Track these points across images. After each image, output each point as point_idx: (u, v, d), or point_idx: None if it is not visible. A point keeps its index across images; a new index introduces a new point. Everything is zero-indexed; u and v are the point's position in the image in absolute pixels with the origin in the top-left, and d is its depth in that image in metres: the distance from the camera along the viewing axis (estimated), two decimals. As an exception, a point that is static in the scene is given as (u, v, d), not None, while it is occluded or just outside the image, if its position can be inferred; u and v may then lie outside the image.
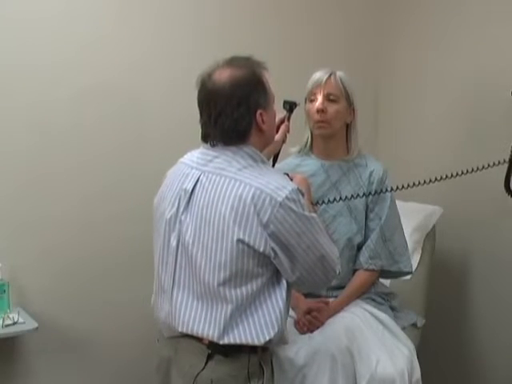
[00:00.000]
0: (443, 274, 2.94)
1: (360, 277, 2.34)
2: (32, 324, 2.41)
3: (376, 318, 2.27)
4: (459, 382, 2.96)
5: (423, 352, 2.43)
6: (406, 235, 2.43)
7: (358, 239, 2.35)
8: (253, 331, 1.74)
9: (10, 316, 2.39)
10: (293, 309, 2.28)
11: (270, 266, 1.74)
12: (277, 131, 2.01)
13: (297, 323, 2.24)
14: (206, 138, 1.81)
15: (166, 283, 1.81)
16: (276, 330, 1.75)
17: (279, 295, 1.77)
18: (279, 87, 2.90)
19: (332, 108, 2.30)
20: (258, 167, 1.76)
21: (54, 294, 2.63)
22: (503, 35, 2.69)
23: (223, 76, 1.74)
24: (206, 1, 2.87)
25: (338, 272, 1.84)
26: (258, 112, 1.76)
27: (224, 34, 2.87)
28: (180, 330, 1.77)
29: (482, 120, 2.80)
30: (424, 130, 3.08)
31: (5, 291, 2.45)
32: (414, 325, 2.46)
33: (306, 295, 2.30)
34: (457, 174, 2.28)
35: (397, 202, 2.45)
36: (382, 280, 2.48)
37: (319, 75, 2.32)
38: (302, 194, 1.76)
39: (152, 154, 2.76)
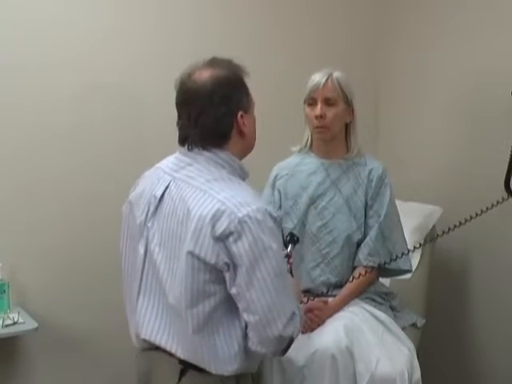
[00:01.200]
0: (443, 274, 2.94)
1: (359, 275, 2.34)
2: (32, 324, 2.41)
3: (376, 318, 2.27)
4: (459, 382, 2.96)
5: (423, 352, 2.43)
6: (406, 235, 2.44)
7: (357, 236, 2.36)
8: (210, 358, 1.65)
9: (10, 316, 2.39)
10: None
11: (225, 284, 1.63)
12: None
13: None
14: (183, 140, 1.74)
15: (133, 291, 1.75)
16: (234, 367, 1.65)
17: (238, 327, 1.65)
18: (280, 87, 2.90)
19: (331, 112, 2.30)
20: (229, 181, 1.67)
21: (54, 293, 2.63)
22: (503, 35, 2.68)
23: (204, 75, 1.68)
24: (206, 1, 2.87)
25: (278, 338, 1.63)
26: (240, 113, 1.70)
27: (224, 34, 2.87)
28: (143, 337, 1.72)
29: (481, 120, 2.80)
30: (424, 130, 3.08)
31: (5, 291, 2.46)
32: (414, 325, 2.46)
33: (307, 294, 2.31)
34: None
35: (397, 201, 2.45)
36: (381, 280, 2.49)
37: (317, 79, 2.31)
38: (275, 220, 1.63)
39: (152, 154, 2.73)
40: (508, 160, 2.51)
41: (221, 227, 1.57)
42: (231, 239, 1.57)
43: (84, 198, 2.67)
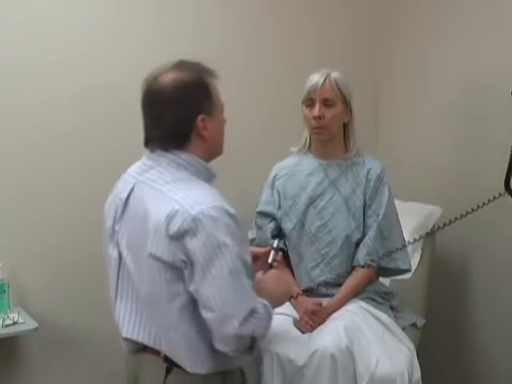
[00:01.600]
0: (443, 273, 2.94)
1: (358, 274, 2.34)
2: (32, 324, 2.41)
3: (376, 317, 2.27)
4: (459, 382, 2.96)
5: (423, 352, 2.43)
6: (405, 235, 2.44)
7: (356, 236, 2.36)
8: (185, 357, 1.67)
9: (10, 316, 2.39)
10: (294, 308, 2.29)
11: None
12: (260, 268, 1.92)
13: (298, 322, 2.24)
14: (147, 142, 1.78)
15: (111, 296, 1.80)
16: (206, 365, 1.68)
17: (206, 329, 1.65)
18: (279, 87, 2.90)
19: (329, 113, 2.31)
20: (188, 181, 1.69)
21: (53, 294, 2.63)
22: (503, 35, 2.68)
23: (168, 78, 1.71)
24: (205, 1, 2.87)
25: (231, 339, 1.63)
26: (200, 117, 1.71)
27: (224, 35, 2.87)
28: (124, 336, 1.75)
29: (481, 120, 2.80)
30: (424, 130, 3.08)
31: (5, 291, 2.46)
32: (414, 325, 2.46)
33: (307, 294, 2.31)
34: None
35: (396, 201, 2.45)
36: (381, 279, 2.49)
37: (315, 80, 2.31)
38: (233, 217, 1.64)
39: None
40: (508, 160, 2.50)
41: (175, 226, 1.59)
42: (187, 237, 1.59)
43: (84, 198, 2.67)
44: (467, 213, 2.23)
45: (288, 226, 2.39)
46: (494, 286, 2.80)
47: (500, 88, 2.61)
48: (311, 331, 2.21)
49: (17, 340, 2.55)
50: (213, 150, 1.80)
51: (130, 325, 1.75)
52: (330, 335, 2.13)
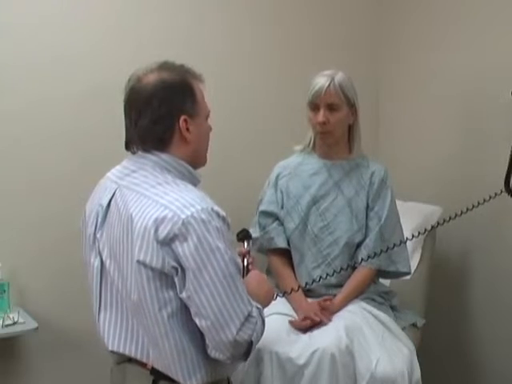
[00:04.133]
0: (443, 273, 2.94)
1: (357, 275, 2.35)
2: (32, 324, 2.41)
3: (376, 317, 2.27)
4: (459, 382, 2.96)
5: (423, 352, 2.43)
6: (406, 235, 2.43)
7: (358, 238, 2.36)
8: (176, 367, 1.60)
9: (10, 316, 2.39)
10: (294, 310, 2.29)
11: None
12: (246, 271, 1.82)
13: (296, 325, 2.24)
14: (127, 144, 1.71)
15: (94, 307, 1.71)
16: (198, 376, 1.61)
17: (199, 333, 1.59)
18: (280, 87, 2.89)
19: (334, 117, 2.31)
20: (174, 184, 1.62)
21: (54, 294, 2.63)
22: (503, 35, 2.68)
23: (150, 78, 1.65)
24: (205, 2, 2.86)
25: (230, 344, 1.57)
26: (182, 118, 1.64)
27: (224, 36, 2.87)
28: (111, 349, 1.67)
29: (482, 120, 2.80)
30: (424, 130, 3.08)
31: (5, 291, 2.45)
32: (414, 325, 2.46)
33: (307, 294, 2.31)
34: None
35: (397, 202, 2.45)
36: (381, 280, 2.49)
37: (319, 85, 2.29)
38: (223, 219, 1.58)
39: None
40: (508, 160, 2.50)
41: (164, 230, 1.53)
42: (177, 242, 1.53)
43: (85, 199, 2.63)
44: (467, 209, 2.23)
45: (290, 225, 2.39)
46: (494, 286, 2.80)
47: (500, 88, 2.62)
48: (310, 331, 2.20)
49: (17, 340, 2.55)
50: (195, 157, 1.71)
51: (115, 337, 1.67)
52: (331, 335, 2.13)
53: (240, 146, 2.92)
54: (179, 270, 1.54)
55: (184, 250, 1.53)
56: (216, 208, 1.59)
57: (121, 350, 1.66)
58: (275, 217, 2.42)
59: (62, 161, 2.63)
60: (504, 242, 2.72)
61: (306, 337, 2.17)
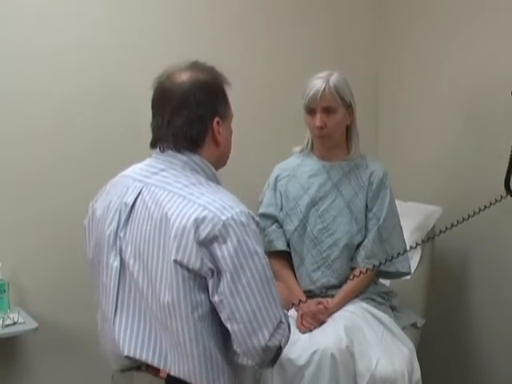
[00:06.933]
0: (443, 274, 2.94)
1: (356, 276, 2.34)
2: (32, 324, 2.41)
3: (376, 317, 2.27)
4: (459, 382, 2.96)
5: (423, 352, 2.43)
6: (405, 235, 2.44)
7: (358, 239, 2.36)
8: (198, 374, 1.55)
9: (10, 316, 2.39)
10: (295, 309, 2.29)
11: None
12: None
13: (299, 324, 2.24)
14: (155, 143, 1.67)
15: (108, 310, 1.63)
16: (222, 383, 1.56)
17: (228, 339, 1.56)
18: (278, 88, 2.89)
19: (331, 121, 2.30)
20: (207, 185, 1.60)
21: (54, 294, 2.63)
22: (503, 35, 2.68)
23: (183, 76, 1.63)
24: (200, 3, 2.86)
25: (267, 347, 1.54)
26: (216, 119, 1.63)
27: (222, 37, 2.87)
28: (126, 354, 1.59)
29: (482, 120, 2.80)
30: (424, 131, 3.08)
31: (5, 291, 2.45)
32: (414, 325, 2.46)
33: (307, 295, 2.31)
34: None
35: (397, 202, 2.45)
36: (381, 280, 2.49)
37: (314, 90, 2.27)
38: (257, 223, 1.58)
39: (151, 153, 2.75)
40: (508, 160, 2.50)
41: (204, 231, 1.51)
42: (216, 244, 1.51)
43: (86, 199, 2.64)
44: (469, 216, 2.23)
45: (289, 227, 2.38)
46: (493, 285, 2.80)
47: (500, 88, 2.62)
48: (310, 332, 2.20)
49: (17, 340, 2.55)
50: (221, 158, 1.71)
51: (131, 341, 1.59)
52: (331, 335, 2.13)
53: (239, 148, 2.91)
54: (215, 272, 1.52)
55: (223, 251, 1.51)
56: (251, 212, 1.58)
57: (137, 356, 1.59)
58: (274, 219, 2.42)
59: (63, 162, 2.63)
60: (504, 242, 2.72)
61: (305, 337, 2.17)
